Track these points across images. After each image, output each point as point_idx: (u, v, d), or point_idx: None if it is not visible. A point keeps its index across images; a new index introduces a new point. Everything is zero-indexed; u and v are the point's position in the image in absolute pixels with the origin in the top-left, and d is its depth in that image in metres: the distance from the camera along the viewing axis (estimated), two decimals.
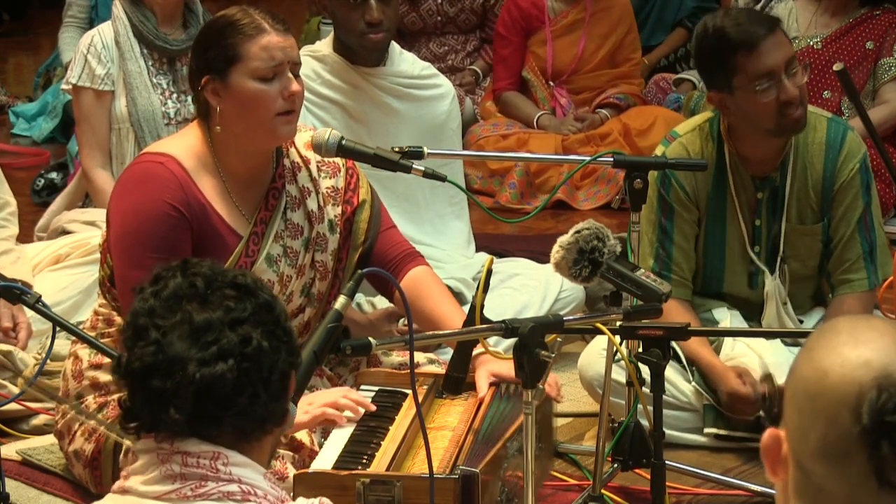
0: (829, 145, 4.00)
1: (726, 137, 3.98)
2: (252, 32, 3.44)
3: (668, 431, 3.83)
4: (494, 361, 3.39)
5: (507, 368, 3.30)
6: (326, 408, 3.31)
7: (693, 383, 4.00)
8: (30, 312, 3.49)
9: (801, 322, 4.13)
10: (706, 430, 3.98)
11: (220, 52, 3.44)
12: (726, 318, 4.08)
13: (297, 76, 3.48)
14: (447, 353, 3.53)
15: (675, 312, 3.88)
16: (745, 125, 3.92)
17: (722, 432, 3.97)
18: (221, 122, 3.48)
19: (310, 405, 3.29)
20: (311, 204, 3.62)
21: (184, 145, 3.53)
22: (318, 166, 3.66)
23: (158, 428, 2.11)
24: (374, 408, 3.34)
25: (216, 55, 3.45)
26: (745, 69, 3.79)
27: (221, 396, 2.08)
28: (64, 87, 5.27)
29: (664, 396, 3.79)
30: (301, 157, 3.65)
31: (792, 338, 4.07)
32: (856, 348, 1.60)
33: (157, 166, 3.47)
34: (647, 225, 4.00)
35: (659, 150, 4.06)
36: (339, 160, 3.69)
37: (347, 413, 3.33)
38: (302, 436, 3.38)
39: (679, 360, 4.00)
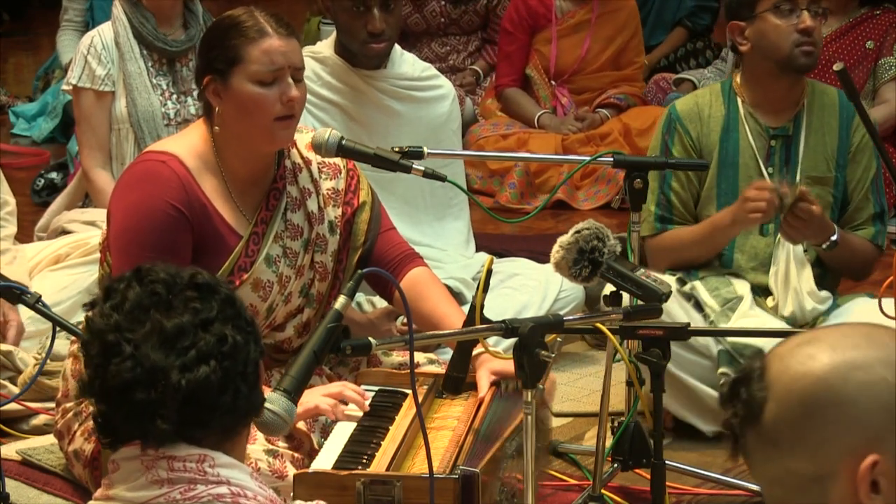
0: (843, 106, 4.18)
1: (740, 90, 4.16)
2: (254, 35, 3.44)
3: (681, 375, 3.93)
4: (495, 360, 3.39)
5: (508, 366, 3.30)
6: (321, 399, 3.31)
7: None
8: (29, 312, 3.49)
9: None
10: (720, 370, 3.98)
11: (222, 52, 3.45)
12: (745, 287, 4.12)
13: (299, 81, 3.48)
14: (447, 354, 3.52)
15: (685, 229, 4.14)
16: (759, 59, 4.09)
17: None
18: (221, 122, 3.48)
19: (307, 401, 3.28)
20: (312, 205, 3.62)
21: (186, 145, 3.53)
22: (319, 167, 3.66)
23: (146, 439, 2.09)
24: (367, 407, 3.33)
25: (218, 56, 3.45)
26: None
27: (208, 399, 2.07)
28: (64, 87, 5.28)
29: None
30: (302, 158, 3.64)
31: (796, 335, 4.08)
32: None
33: (160, 165, 3.47)
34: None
35: (671, 105, 4.24)
36: (339, 162, 3.69)
37: (352, 408, 3.33)
38: (302, 435, 3.38)
39: (699, 308, 4.05)
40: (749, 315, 4.06)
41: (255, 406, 2.16)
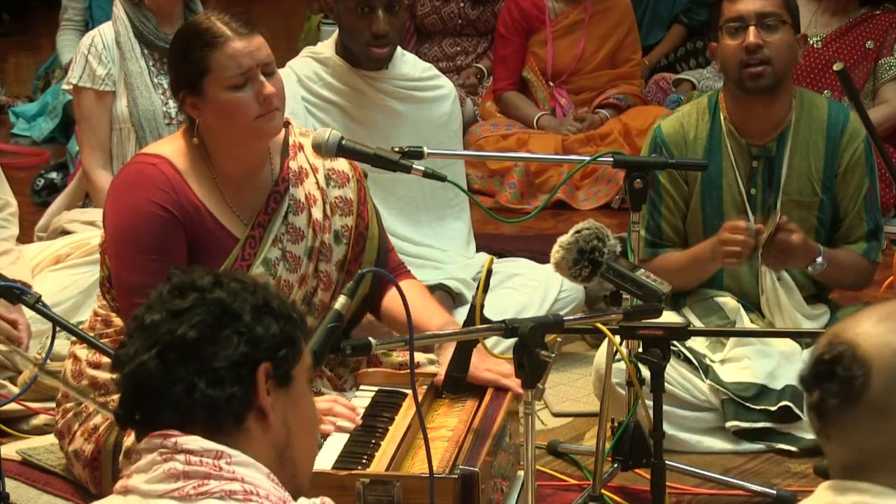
0: (831, 124, 4.08)
1: (722, 106, 4.09)
2: (215, 42, 3.41)
3: (688, 437, 3.92)
4: (483, 363, 3.37)
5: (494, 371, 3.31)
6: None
7: (708, 381, 3.98)
8: (29, 312, 3.49)
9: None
10: (728, 424, 3.95)
11: (190, 66, 3.43)
12: (728, 300, 4.10)
13: (271, 74, 3.47)
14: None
15: (672, 256, 4.10)
16: (727, 79, 4.07)
17: (744, 425, 3.94)
18: (205, 133, 3.48)
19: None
20: (316, 212, 3.61)
21: (177, 147, 3.53)
22: (326, 175, 3.65)
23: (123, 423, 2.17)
24: (359, 421, 3.29)
25: (186, 70, 3.44)
26: (724, 13, 4.04)
27: (149, 387, 2.11)
28: (65, 87, 5.28)
29: (682, 395, 3.81)
30: (309, 164, 3.64)
31: (795, 338, 4.07)
32: None
33: (150, 167, 3.48)
34: None
35: (657, 124, 4.17)
36: (347, 170, 3.68)
37: (342, 422, 3.31)
38: None
39: (689, 361, 4.00)
40: (744, 343, 4.05)
41: (221, 403, 2.14)
